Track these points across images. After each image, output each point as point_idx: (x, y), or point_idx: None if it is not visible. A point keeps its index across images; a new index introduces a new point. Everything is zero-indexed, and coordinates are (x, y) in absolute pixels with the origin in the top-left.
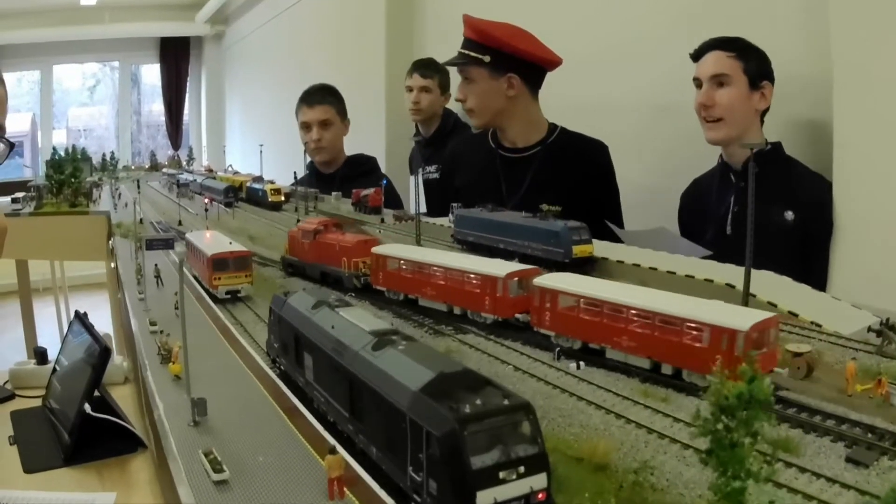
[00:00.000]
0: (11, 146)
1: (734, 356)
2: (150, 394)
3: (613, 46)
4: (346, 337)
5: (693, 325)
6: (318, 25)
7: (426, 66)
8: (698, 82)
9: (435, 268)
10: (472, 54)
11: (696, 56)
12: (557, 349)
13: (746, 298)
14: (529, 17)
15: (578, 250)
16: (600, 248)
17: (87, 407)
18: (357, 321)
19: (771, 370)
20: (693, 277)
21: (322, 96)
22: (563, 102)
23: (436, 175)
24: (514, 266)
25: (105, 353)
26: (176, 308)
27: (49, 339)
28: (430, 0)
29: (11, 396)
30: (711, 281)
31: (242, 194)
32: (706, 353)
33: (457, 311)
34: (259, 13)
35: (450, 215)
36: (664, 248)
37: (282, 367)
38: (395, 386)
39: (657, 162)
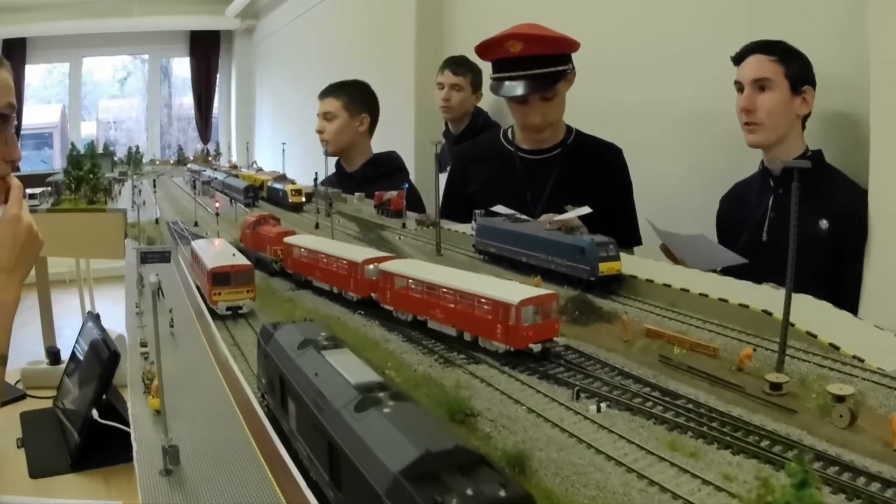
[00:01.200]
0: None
1: (509, 325)
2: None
3: (648, 52)
4: (328, 389)
5: (482, 299)
6: (348, 21)
7: (458, 64)
8: (739, 86)
9: (321, 255)
10: (560, 68)
11: (738, 59)
12: (577, 388)
13: (786, 329)
14: (561, 20)
15: (605, 268)
16: (629, 265)
17: (95, 413)
18: (343, 370)
19: (550, 339)
20: (727, 301)
21: (332, 90)
22: (596, 109)
23: None
24: (374, 253)
25: (114, 357)
26: (171, 326)
27: (73, 331)
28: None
29: (22, 396)
30: (747, 306)
31: (263, 193)
32: (490, 323)
33: (335, 290)
34: (289, 8)
35: (472, 223)
36: (702, 255)
37: (268, 407)
38: (374, 463)
39: (695, 169)
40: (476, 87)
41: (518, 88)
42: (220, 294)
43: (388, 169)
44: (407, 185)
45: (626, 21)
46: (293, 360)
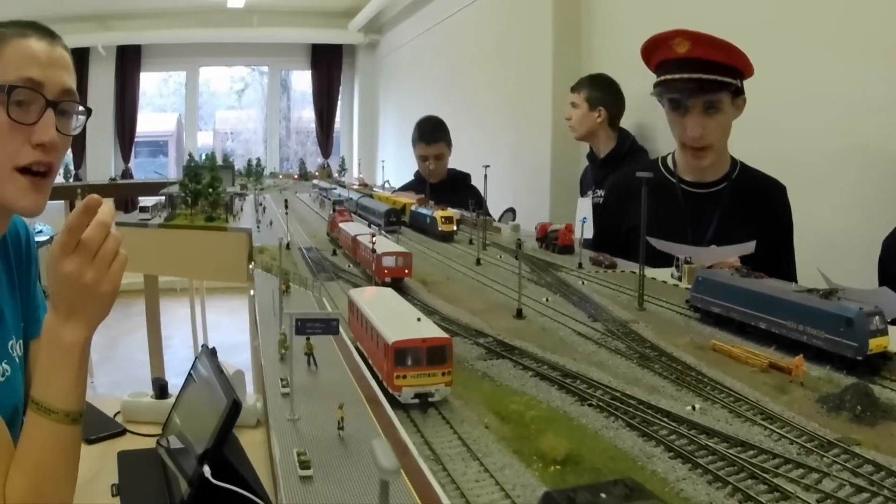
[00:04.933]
0: (89, 112)
1: (378, 265)
2: None
3: (806, 86)
4: None
5: (373, 253)
6: (478, 37)
7: (579, 82)
8: None
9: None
10: (725, 79)
11: None
12: None
13: None
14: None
15: (875, 344)
16: None
17: (207, 470)
18: None
19: (401, 278)
20: None
21: (437, 134)
22: (751, 144)
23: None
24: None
25: (234, 408)
26: (340, 428)
27: (181, 342)
28: (599, 14)
29: (122, 432)
30: None
31: (405, 218)
32: (372, 264)
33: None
34: (415, 23)
35: (673, 270)
36: (885, 309)
37: None
38: None
39: (853, 209)
40: (594, 103)
41: (679, 90)
42: (404, 377)
43: (461, 184)
44: (585, 219)
45: (782, 54)
46: None
